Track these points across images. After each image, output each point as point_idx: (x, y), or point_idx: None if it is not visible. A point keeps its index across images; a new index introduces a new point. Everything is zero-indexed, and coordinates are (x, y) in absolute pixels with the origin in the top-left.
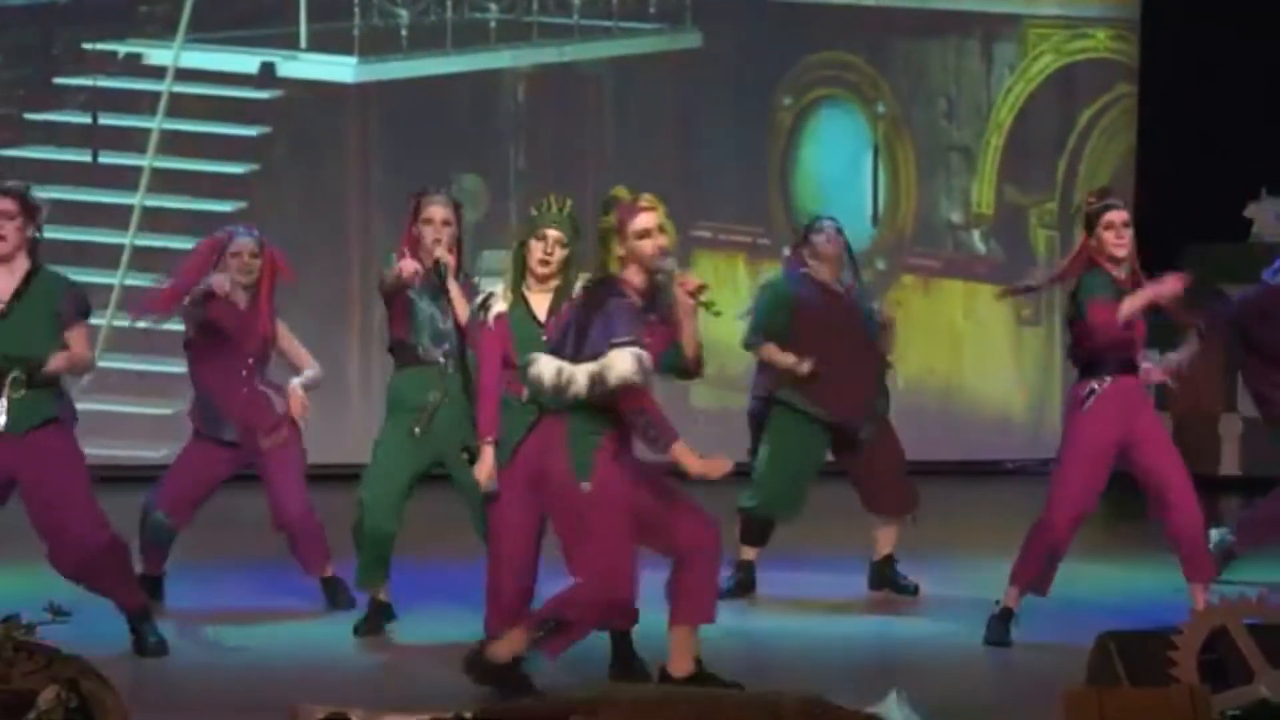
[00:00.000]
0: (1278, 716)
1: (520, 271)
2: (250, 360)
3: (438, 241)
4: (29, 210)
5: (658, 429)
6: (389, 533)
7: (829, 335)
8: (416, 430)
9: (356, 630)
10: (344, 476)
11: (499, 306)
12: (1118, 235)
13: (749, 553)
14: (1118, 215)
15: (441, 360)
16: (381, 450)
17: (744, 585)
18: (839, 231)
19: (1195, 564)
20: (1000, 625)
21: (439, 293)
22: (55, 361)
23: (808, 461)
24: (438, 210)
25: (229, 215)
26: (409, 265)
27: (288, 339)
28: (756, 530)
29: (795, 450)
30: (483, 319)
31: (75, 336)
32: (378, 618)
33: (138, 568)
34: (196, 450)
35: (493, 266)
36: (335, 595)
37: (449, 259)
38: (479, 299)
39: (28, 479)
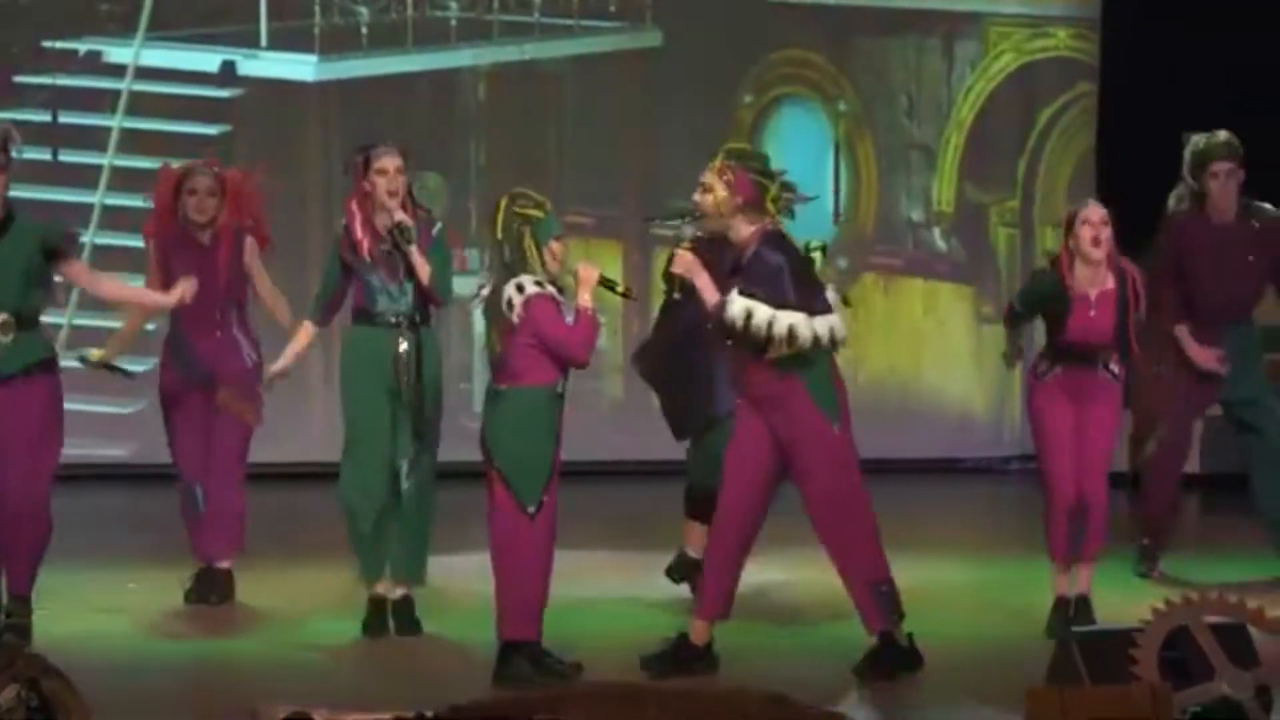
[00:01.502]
0: (1238, 714)
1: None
2: (221, 302)
3: (392, 194)
4: (7, 156)
5: None
6: (378, 519)
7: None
8: (404, 385)
9: (364, 629)
10: (307, 475)
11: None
12: (1094, 230)
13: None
14: (1094, 212)
15: (393, 321)
16: (353, 435)
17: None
18: None
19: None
20: (1058, 617)
21: (395, 259)
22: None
23: None
24: (390, 160)
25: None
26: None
27: (263, 280)
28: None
29: None
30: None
31: (79, 271)
32: (376, 616)
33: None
34: (174, 406)
35: None
36: (208, 587)
37: (409, 221)
38: (531, 292)
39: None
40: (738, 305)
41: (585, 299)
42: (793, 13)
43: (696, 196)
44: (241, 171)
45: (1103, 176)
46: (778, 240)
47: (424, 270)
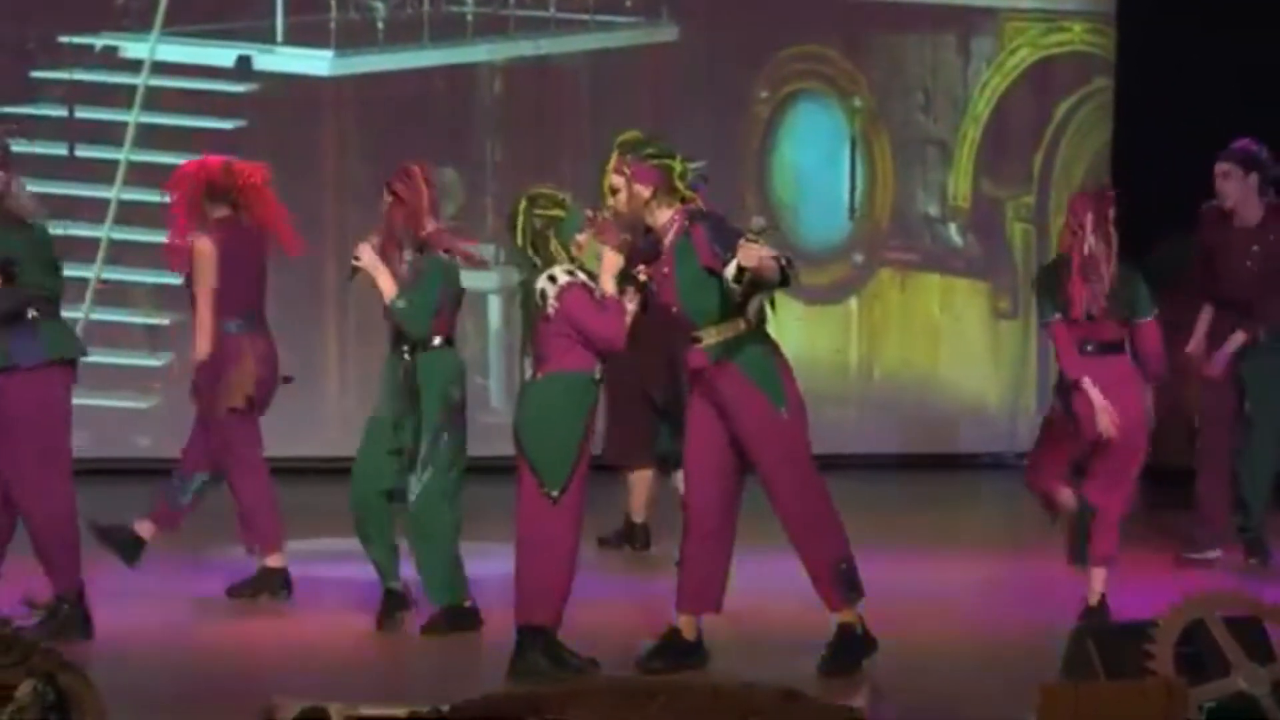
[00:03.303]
0: (1254, 709)
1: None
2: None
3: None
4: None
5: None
6: (382, 527)
7: None
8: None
9: (378, 624)
10: (322, 470)
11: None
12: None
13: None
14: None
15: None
16: (360, 444)
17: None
18: None
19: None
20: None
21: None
22: None
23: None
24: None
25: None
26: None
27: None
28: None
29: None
30: (597, 293)
31: None
32: (390, 607)
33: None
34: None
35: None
36: (262, 585)
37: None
38: (564, 282)
39: (14, 416)
40: (731, 270)
41: (609, 284)
42: (808, 8)
43: (610, 201)
44: (244, 167)
45: (1119, 171)
46: (698, 213)
47: (389, 289)
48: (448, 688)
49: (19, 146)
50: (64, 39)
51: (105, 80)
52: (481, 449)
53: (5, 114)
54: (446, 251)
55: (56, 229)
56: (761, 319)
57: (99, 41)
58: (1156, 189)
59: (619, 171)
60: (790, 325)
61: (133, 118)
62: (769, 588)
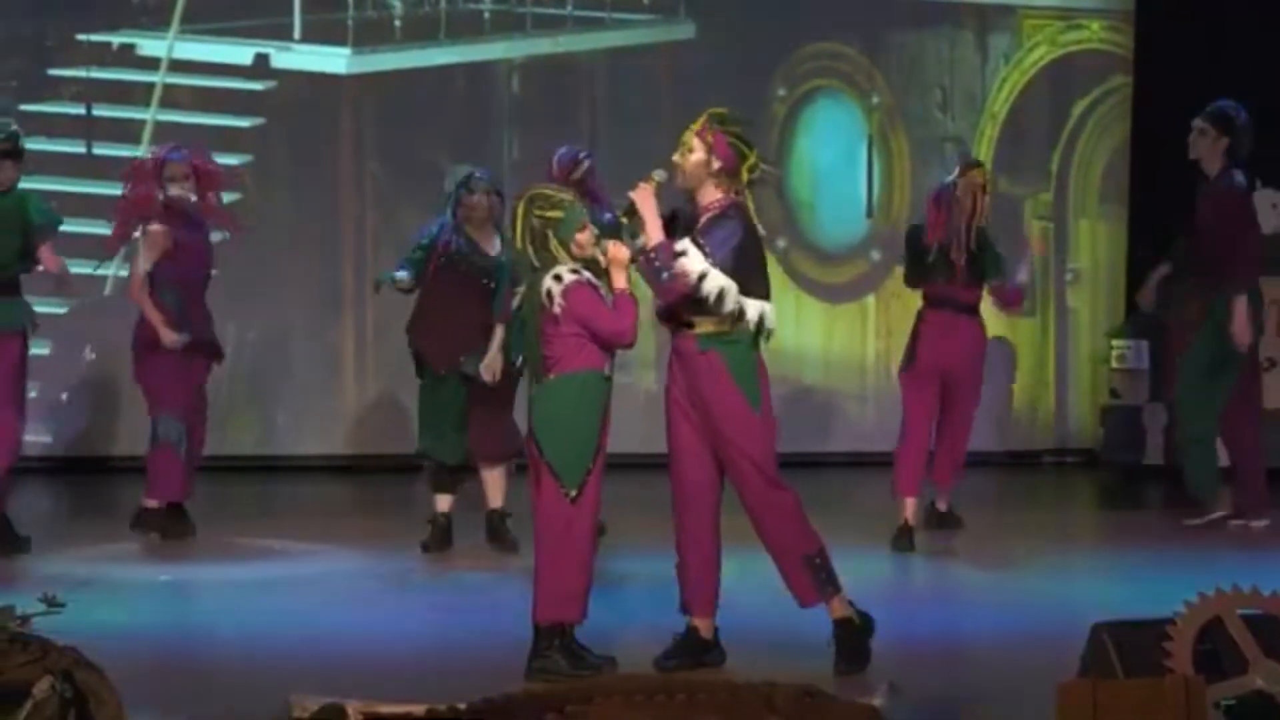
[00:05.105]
0: (1271, 706)
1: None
2: (203, 279)
3: None
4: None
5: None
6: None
7: (449, 286)
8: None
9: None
10: (339, 468)
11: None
12: None
13: (443, 503)
14: None
15: None
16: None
17: (443, 539)
18: (489, 193)
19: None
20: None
21: None
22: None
23: (452, 405)
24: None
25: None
26: None
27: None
28: (444, 478)
29: (437, 395)
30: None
31: (48, 251)
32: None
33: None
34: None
35: None
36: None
37: None
38: (569, 280)
39: None
40: (680, 244)
41: (621, 281)
42: (826, 5)
43: (676, 157)
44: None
45: (1137, 169)
46: (740, 211)
47: None
48: (465, 686)
49: (37, 144)
50: (81, 37)
51: (123, 78)
52: None
53: (24, 112)
54: None
55: (74, 226)
56: (738, 323)
57: (116, 39)
58: (1174, 187)
59: (701, 136)
60: (808, 323)
61: (150, 115)
62: (785, 585)
